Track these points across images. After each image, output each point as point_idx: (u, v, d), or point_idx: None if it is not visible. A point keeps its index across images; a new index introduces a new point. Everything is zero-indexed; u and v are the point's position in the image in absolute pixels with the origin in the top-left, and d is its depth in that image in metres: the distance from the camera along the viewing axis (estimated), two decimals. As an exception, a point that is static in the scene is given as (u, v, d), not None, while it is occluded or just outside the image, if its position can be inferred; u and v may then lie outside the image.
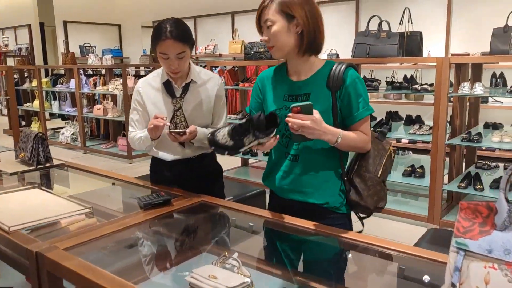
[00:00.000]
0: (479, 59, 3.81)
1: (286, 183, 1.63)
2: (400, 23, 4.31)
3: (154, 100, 2.09)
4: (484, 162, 4.22)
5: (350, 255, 1.61)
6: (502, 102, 5.46)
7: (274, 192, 1.73)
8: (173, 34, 1.88)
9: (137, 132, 2.12)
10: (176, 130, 1.94)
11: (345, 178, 1.59)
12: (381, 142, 1.62)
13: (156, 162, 2.22)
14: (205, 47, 8.89)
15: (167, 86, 2.06)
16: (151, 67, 7.54)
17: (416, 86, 3.74)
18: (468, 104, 3.95)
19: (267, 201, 1.82)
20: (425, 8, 6.35)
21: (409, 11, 4.39)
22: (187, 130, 1.93)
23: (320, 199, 1.58)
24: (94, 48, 10.01)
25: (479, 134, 3.62)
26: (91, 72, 8.10)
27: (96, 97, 7.67)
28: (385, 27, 3.97)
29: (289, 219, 1.60)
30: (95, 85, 7.12)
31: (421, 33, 4.08)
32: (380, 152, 1.59)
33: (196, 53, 8.82)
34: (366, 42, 3.93)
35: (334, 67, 1.54)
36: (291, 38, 1.50)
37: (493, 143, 3.48)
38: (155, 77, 2.12)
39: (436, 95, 3.49)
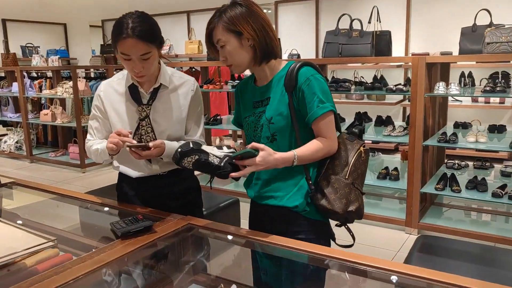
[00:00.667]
0: (455, 58, 3.77)
1: (257, 189, 1.63)
2: (368, 22, 4.22)
3: (116, 107, 1.79)
4: (454, 161, 4.21)
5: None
6: (461, 101, 5.54)
7: (252, 199, 1.70)
8: (136, 31, 1.59)
9: (94, 142, 1.83)
10: (137, 145, 1.63)
11: (310, 182, 1.54)
12: (351, 142, 1.57)
13: (121, 178, 1.93)
14: (160, 48, 8.48)
15: (133, 91, 1.77)
16: (103, 69, 7.06)
17: (391, 86, 3.64)
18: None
19: (241, 210, 1.69)
20: (386, 8, 6.35)
21: (378, 10, 4.31)
22: (150, 144, 1.63)
23: (289, 203, 1.55)
24: (37, 48, 9.32)
25: (454, 134, 3.58)
26: (36, 75, 7.48)
27: (43, 102, 7.08)
28: (356, 25, 3.86)
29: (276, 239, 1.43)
30: (40, 89, 6.56)
31: (390, 32, 4.00)
32: (348, 153, 1.54)
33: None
34: (337, 42, 3.79)
35: (290, 68, 1.53)
36: (246, 53, 1.51)
37: (469, 143, 3.44)
38: (120, 80, 1.82)
39: (413, 95, 3.40)
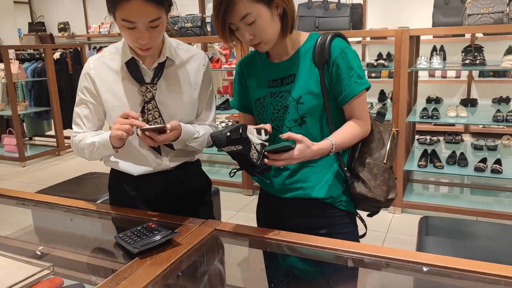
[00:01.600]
0: (440, 30, 3.65)
1: (280, 181, 1.41)
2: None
3: (112, 88, 1.44)
4: (425, 137, 4.19)
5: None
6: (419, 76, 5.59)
7: (267, 193, 1.49)
8: None
9: (86, 135, 1.46)
10: (152, 127, 1.32)
11: (345, 169, 1.38)
12: (381, 123, 1.44)
13: (116, 176, 1.57)
14: (99, 26, 7.79)
15: (132, 68, 1.42)
16: (40, 50, 6.31)
17: (372, 61, 3.48)
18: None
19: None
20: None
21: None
22: (168, 126, 1.33)
23: (322, 193, 1.37)
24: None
25: (436, 109, 3.51)
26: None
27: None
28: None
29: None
30: (-37, 73, 5.72)
31: (361, 5, 3.83)
32: (382, 135, 1.41)
33: (88, 33, 7.69)
34: (313, 15, 3.55)
35: (319, 39, 1.34)
36: (276, 24, 1.29)
37: (450, 118, 3.39)
38: (113, 55, 1.46)
39: (396, 70, 3.26)
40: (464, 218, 2.96)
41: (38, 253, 1.40)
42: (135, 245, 1.19)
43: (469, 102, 3.81)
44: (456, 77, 5.67)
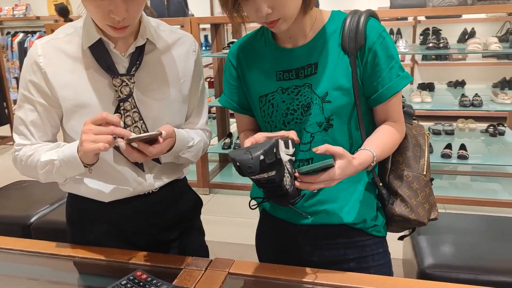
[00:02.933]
0: (408, 12, 3.49)
1: (300, 203, 1.07)
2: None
3: (72, 82, 1.04)
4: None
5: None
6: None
7: (275, 218, 1.18)
8: None
9: (37, 149, 1.06)
10: (143, 136, 0.95)
11: (380, 184, 1.11)
12: (412, 126, 1.19)
13: (78, 205, 1.18)
14: (12, 8, 6.85)
15: (100, 53, 1.04)
16: None
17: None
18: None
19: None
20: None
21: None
22: (163, 132, 0.98)
23: (352, 217, 1.09)
24: None
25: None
26: None
27: None
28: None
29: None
30: None
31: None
32: (418, 140, 1.15)
33: (-1, 16, 6.74)
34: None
35: (348, 19, 1.05)
36: None
37: (415, 104, 3.28)
38: (71, 37, 1.06)
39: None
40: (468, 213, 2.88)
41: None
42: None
43: (427, 87, 3.75)
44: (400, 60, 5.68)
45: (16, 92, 6.55)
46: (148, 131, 1.07)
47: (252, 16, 0.97)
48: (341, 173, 0.91)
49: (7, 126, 5.36)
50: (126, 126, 1.05)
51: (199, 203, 1.32)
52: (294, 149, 0.93)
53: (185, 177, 1.27)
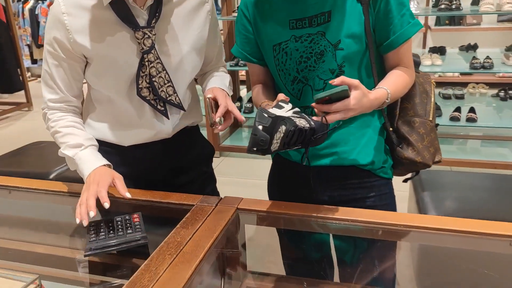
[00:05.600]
0: None
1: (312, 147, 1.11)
2: None
3: (96, 38, 1.09)
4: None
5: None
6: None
7: (288, 161, 1.24)
8: None
9: (58, 123, 1.16)
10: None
11: (391, 129, 1.18)
12: (418, 74, 1.23)
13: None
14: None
15: (120, 8, 1.07)
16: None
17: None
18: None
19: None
20: None
21: None
22: (217, 119, 1.05)
23: (363, 158, 1.16)
24: None
25: (411, 58, 3.38)
26: None
27: None
28: None
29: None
30: None
31: None
32: (425, 87, 1.21)
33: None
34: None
35: None
36: None
37: (425, 67, 3.27)
38: None
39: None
40: (441, 169, 2.91)
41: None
42: (91, 245, 0.94)
43: (438, 50, 3.72)
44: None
45: (29, 60, 6.62)
46: (171, 81, 1.13)
47: None
48: (356, 103, 0.95)
49: (22, 92, 5.46)
50: (151, 76, 1.10)
51: (211, 151, 1.40)
52: (290, 104, 0.98)
53: (197, 125, 1.33)
